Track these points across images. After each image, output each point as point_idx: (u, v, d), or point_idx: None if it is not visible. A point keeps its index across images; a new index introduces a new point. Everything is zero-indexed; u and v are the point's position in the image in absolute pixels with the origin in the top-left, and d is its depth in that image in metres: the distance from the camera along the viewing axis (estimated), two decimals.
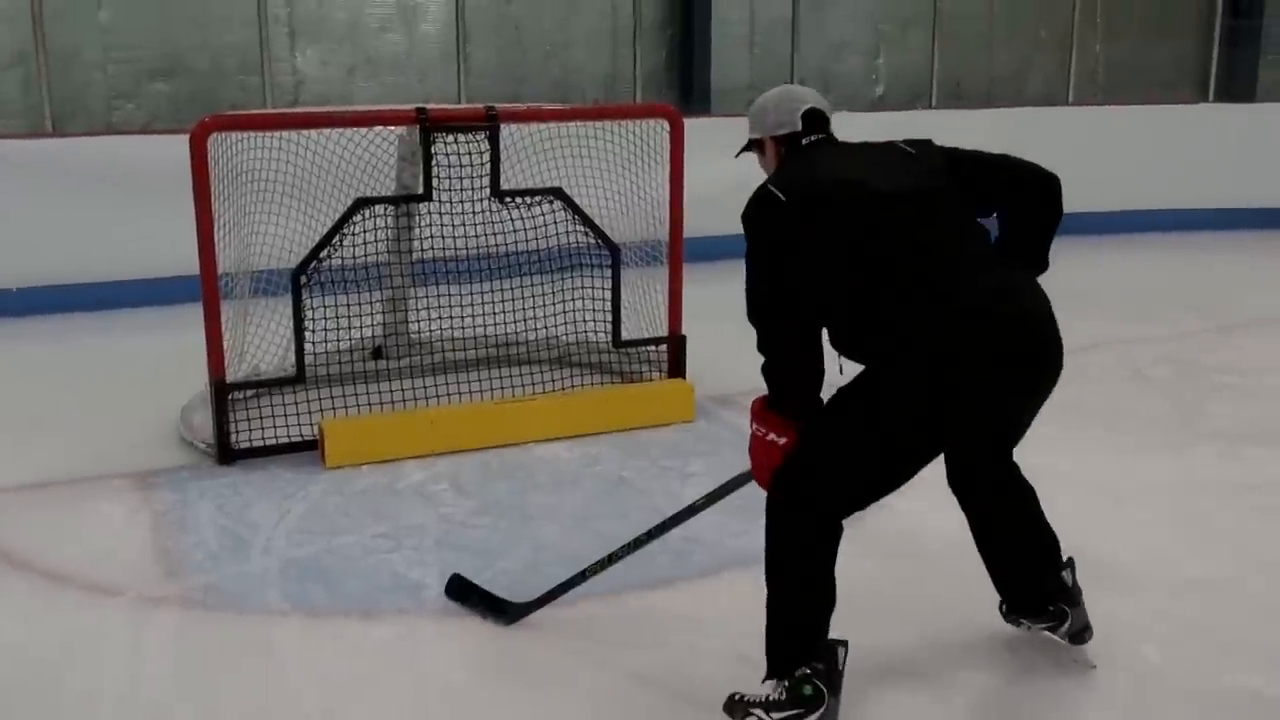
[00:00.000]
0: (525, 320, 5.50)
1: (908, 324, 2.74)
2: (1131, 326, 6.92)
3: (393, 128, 5.24)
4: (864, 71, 10.86)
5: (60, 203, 6.93)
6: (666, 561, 3.78)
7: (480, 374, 5.31)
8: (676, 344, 5.50)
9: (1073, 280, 8.19)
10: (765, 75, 10.16)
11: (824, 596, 2.85)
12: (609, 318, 5.46)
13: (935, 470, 3.00)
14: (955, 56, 10.68)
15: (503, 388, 5.24)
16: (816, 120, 3.09)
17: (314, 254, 4.87)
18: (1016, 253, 3.04)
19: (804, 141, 3.07)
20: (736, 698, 2.83)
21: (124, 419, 5.17)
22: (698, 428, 5.15)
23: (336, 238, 4.88)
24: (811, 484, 2.82)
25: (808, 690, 2.76)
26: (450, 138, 4.96)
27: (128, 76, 8.42)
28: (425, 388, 5.13)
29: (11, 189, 6.89)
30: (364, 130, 5.23)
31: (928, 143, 3.11)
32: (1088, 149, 9.37)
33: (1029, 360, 2.82)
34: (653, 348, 5.55)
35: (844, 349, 2.93)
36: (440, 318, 5.38)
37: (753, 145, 3.18)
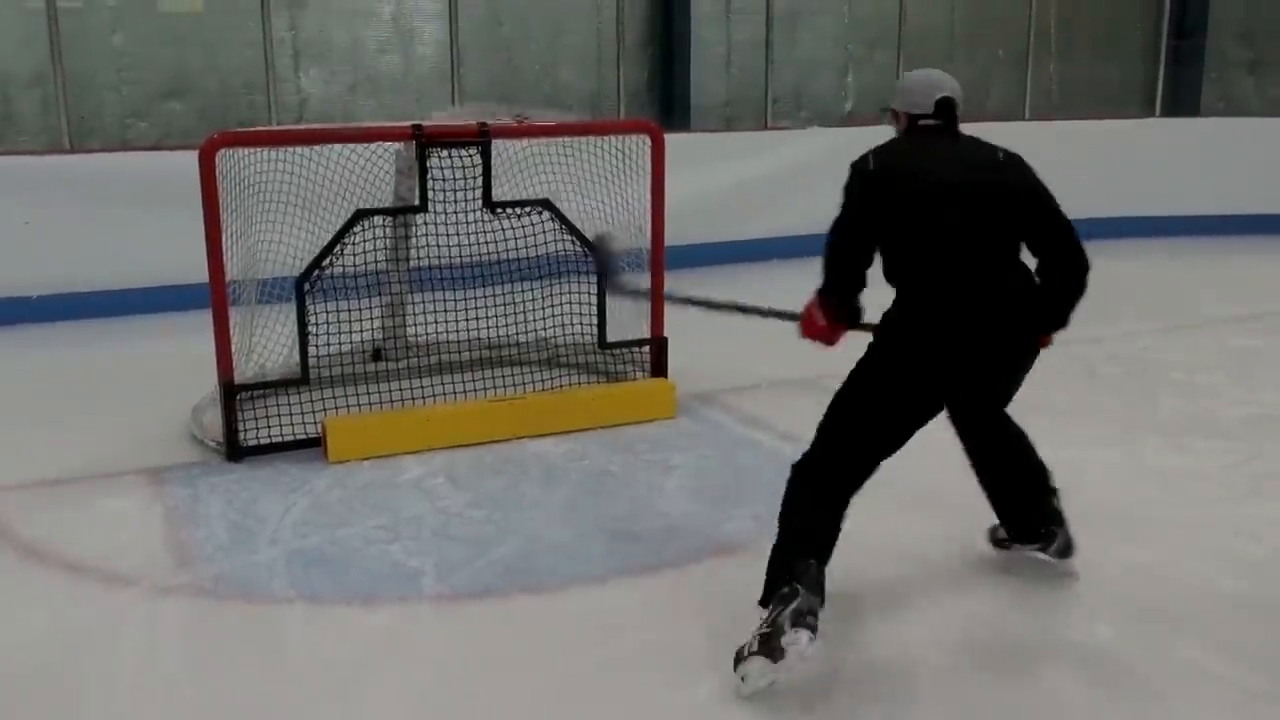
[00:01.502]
0: (516, 323, 5.49)
1: (910, 302, 3.14)
2: (1084, 327, 6.83)
3: (391, 143, 5.23)
4: (834, 89, 10.88)
5: (77, 215, 6.91)
6: (645, 550, 3.78)
7: (474, 374, 5.30)
8: (658, 345, 5.50)
9: None
10: (741, 93, 10.18)
11: (822, 547, 3.04)
12: (595, 321, 5.46)
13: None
14: None
15: (495, 387, 5.23)
16: (946, 109, 3.32)
17: (317, 262, 4.85)
18: (1043, 308, 3.31)
19: (920, 123, 3.32)
20: (740, 649, 2.92)
21: (138, 418, 5.15)
22: (679, 424, 5.15)
23: (338, 247, 4.86)
24: (832, 453, 3.14)
25: (784, 590, 2.92)
26: (445, 153, 4.95)
27: (140, 96, 8.39)
28: (422, 387, 5.12)
29: (32, 203, 6.86)
30: (363, 146, 5.22)
31: (1018, 160, 3.32)
32: (1043, 161, 9.39)
33: (976, 359, 3.18)
34: (636, 349, 5.55)
35: (887, 275, 3.24)
36: (436, 322, 5.36)
37: (888, 112, 3.46)
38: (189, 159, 4.60)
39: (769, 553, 3.07)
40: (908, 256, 3.17)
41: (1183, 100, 11.52)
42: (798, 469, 3.20)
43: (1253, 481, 4.47)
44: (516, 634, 3.31)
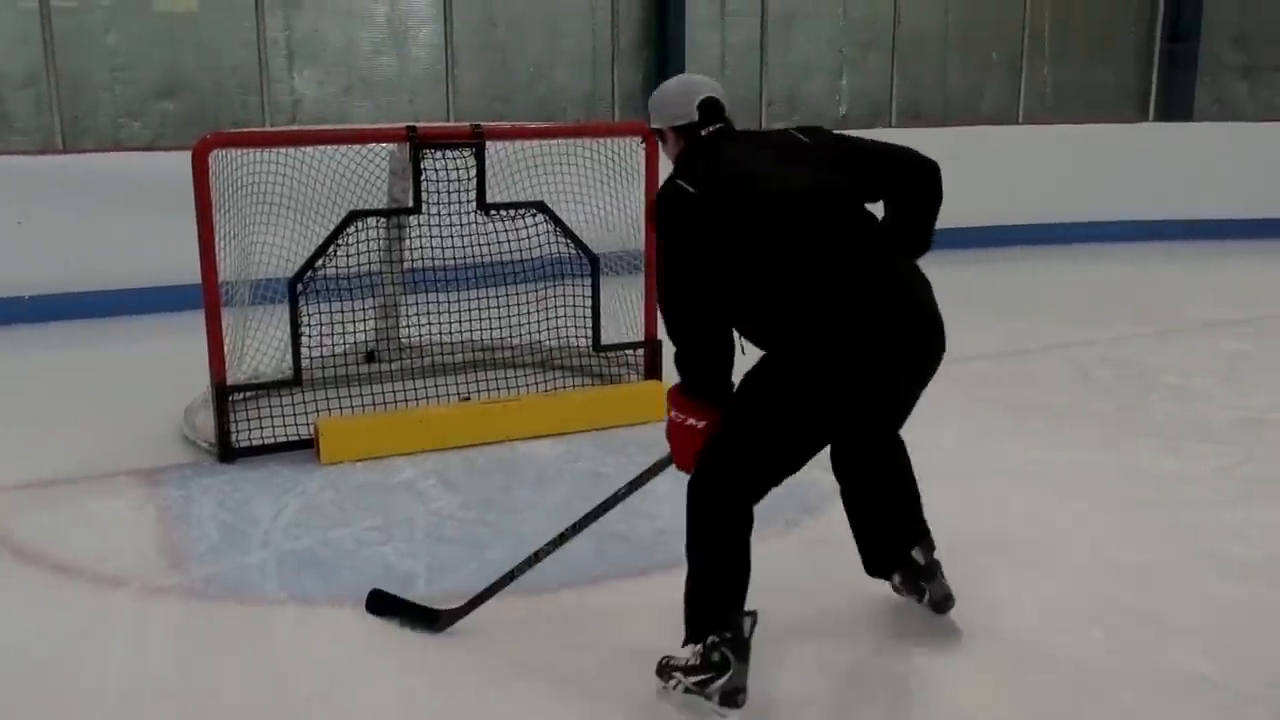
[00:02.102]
0: (510, 325, 5.49)
1: (803, 313, 2.73)
2: (1077, 330, 6.95)
3: (385, 145, 5.22)
4: (828, 92, 10.89)
5: (70, 215, 6.89)
6: (636, 552, 3.77)
7: (468, 376, 5.29)
8: (652, 347, 5.50)
9: (1022, 287, 8.28)
10: (736, 95, 10.09)
11: (737, 570, 2.88)
12: (589, 323, 5.45)
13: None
14: (913, 78, 10.72)
15: (489, 389, 5.23)
16: (713, 109, 3.04)
17: (310, 263, 4.85)
18: (900, 237, 3.03)
19: (703, 133, 3.01)
20: (664, 661, 2.92)
21: (130, 419, 5.14)
22: None
23: (331, 248, 4.86)
24: (727, 470, 2.85)
25: (715, 657, 2.80)
26: (439, 154, 4.95)
27: (134, 96, 8.38)
28: (416, 389, 5.12)
29: (24, 202, 6.85)
30: (357, 147, 5.22)
31: (819, 130, 3.07)
32: (1036, 164, 9.44)
33: (913, 345, 2.84)
34: (630, 351, 5.55)
35: (748, 335, 2.90)
36: (430, 323, 5.36)
37: (655, 134, 3.15)
38: (182, 159, 4.59)
39: (696, 568, 2.91)
40: (775, 277, 2.76)
41: (1176, 104, 11.55)
42: (700, 489, 2.90)
43: (1244, 485, 4.48)
44: (508, 637, 3.30)
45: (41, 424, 5.17)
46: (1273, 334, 7.01)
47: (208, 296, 4.62)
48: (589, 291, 5.42)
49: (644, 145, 5.41)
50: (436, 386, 5.14)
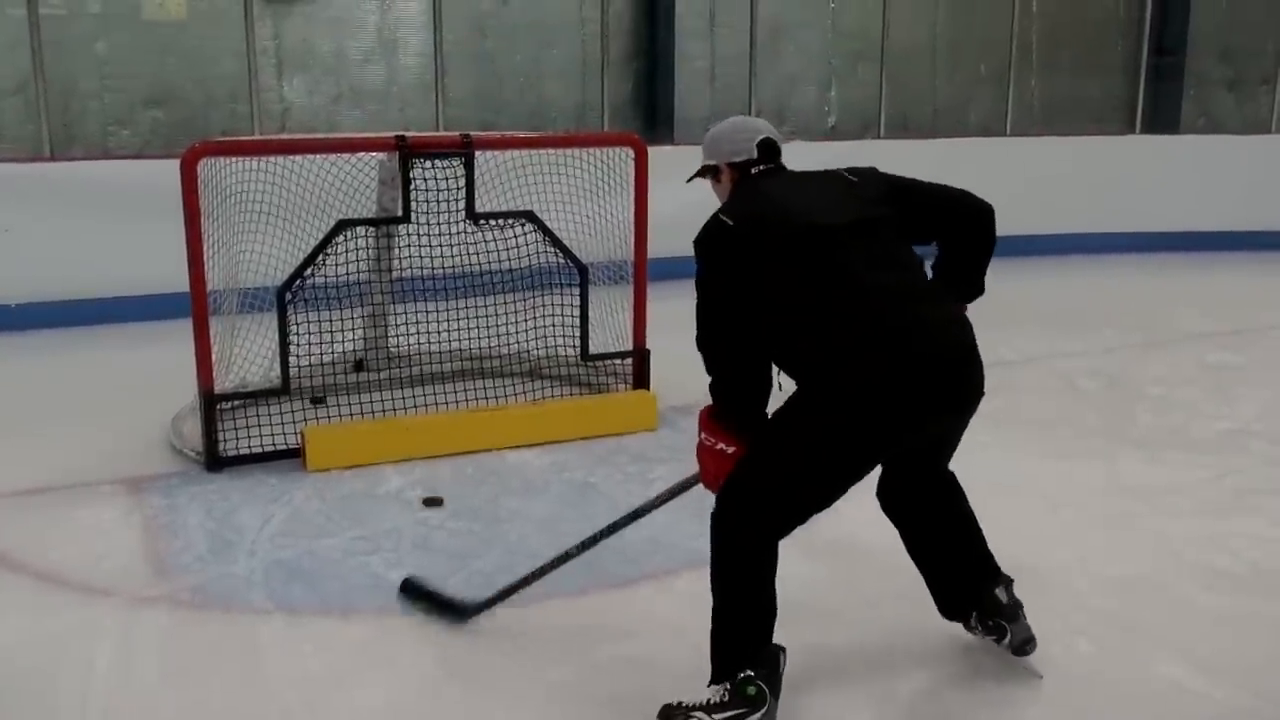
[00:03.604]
0: (499, 335, 5.49)
1: (844, 351, 2.72)
2: (1064, 342, 6.97)
3: (374, 154, 5.22)
4: (817, 104, 10.92)
5: (58, 223, 6.87)
6: (626, 562, 3.77)
7: (456, 385, 5.29)
8: (641, 357, 5.50)
9: (1009, 299, 8.26)
10: (725, 106, 10.19)
11: (767, 606, 2.83)
12: (578, 332, 5.46)
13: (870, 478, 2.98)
14: (902, 90, 10.75)
15: (477, 398, 5.22)
16: (769, 150, 3.07)
17: (298, 272, 4.84)
18: (952, 280, 3.06)
19: (753, 170, 3.04)
20: (675, 704, 2.81)
21: (117, 428, 5.12)
22: (661, 436, 5.15)
23: (320, 257, 4.85)
24: (756, 503, 2.80)
25: (751, 690, 2.74)
26: (428, 163, 4.95)
27: (123, 104, 8.36)
28: (404, 398, 5.11)
29: (12, 210, 6.83)
30: (347, 156, 5.22)
31: (871, 171, 3.07)
32: (1024, 177, 9.46)
33: (954, 388, 2.85)
34: (618, 361, 5.55)
35: (786, 368, 2.87)
36: (418, 332, 5.36)
37: (707, 171, 3.14)
38: (171, 167, 4.57)
39: (717, 618, 2.85)
40: (816, 314, 2.76)
41: (1163, 117, 11.61)
42: (725, 523, 2.84)
43: (1229, 496, 4.49)
44: (496, 646, 3.30)
45: (28, 432, 5.14)
46: (1258, 345, 7.04)
47: (196, 305, 4.61)
48: (577, 301, 5.42)
49: (633, 155, 5.41)
50: (424, 395, 5.14)
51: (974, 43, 11.33)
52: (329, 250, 4.87)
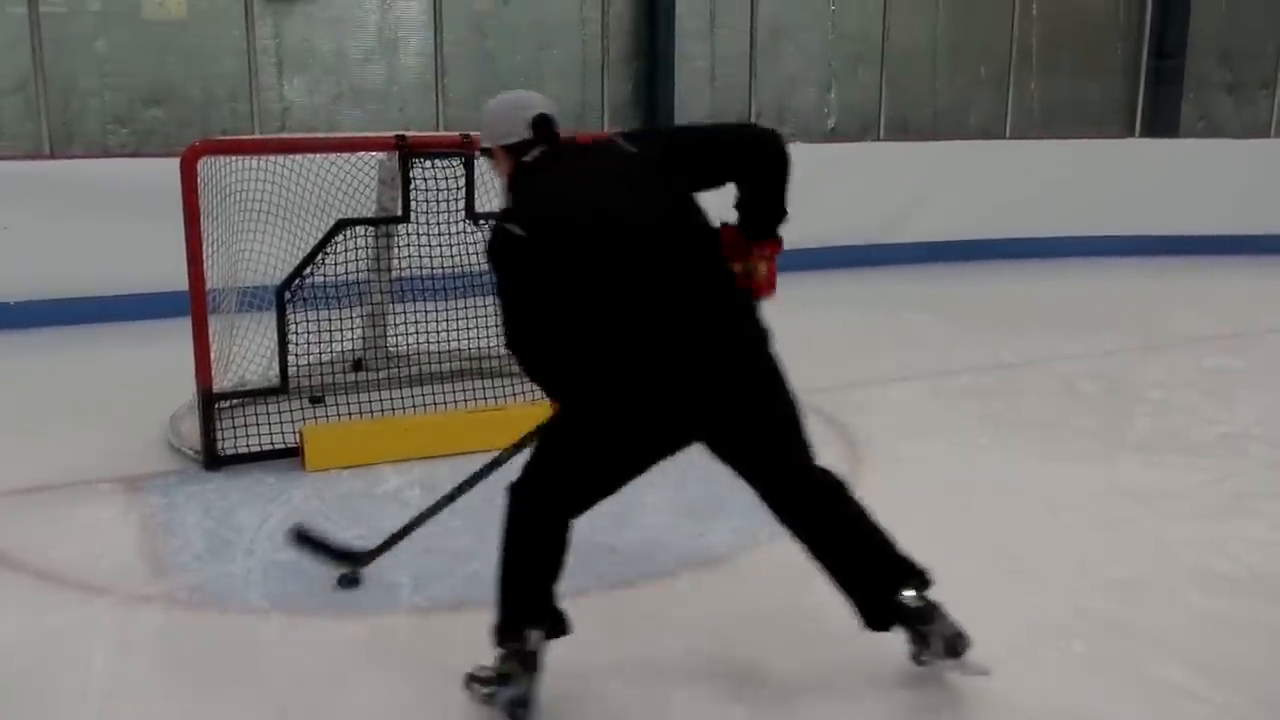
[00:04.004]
0: (498, 335, 5.47)
1: (592, 361, 2.76)
2: (1064, 344, 6.98)
3: (374, 153, 5.22)
4: (817, 105, 10.92)
5: (57, 221, 6.87)
6: (627, 562, 3.77)
7: (455, 385, 5.29)
8: None
9: (1009, 301, 8.30)
10: (725, 106, 10.21)
11: (541, 579, 2.94)
12: None
13: None
14: (902, 92, 10.76)
15: (476, 398, 5.22)
16: (544, 127, 2.94)
17: (298, 271, 4.83)
18: (755, 214, 2.97)
19: (527, 158, 2.92)
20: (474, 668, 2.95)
21: (115, 426, 5.11)
22: None
23: (319, 256, 4.85)
24: (543, 490, 2.92)
25: (505, 668, 2.87)
26: (428, 163, 4.95)
27: (123, 103, 8.36)
28: (403, 398, 5.11)
29: (11, 208, 6.83)
30: (347, 155, 5.21)
31: (649, 137, 3.00)
32: (1023, 179, 9.48)
33: (689, 403, 2.80)
34: None
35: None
36: (417, 332, 5.36)
37: (484, 153, 3.04)
38: (170, 166, 4.57)
39: (500, 575, 2.94)
40: (602, 316, 2.75)
41: (1163, 120, 11.62)
42: (518, 496, 2.95)
43: (1228, 500, 4.49)
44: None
45: (26, 430, 5.14)
46: (1257, 349, 7.04)
47: (195, 304, 4.60)
48: None
49: None
50: (423, 395, 5.13)
51: (974, 45, 11.34)
52: (328, 249, 4.86)
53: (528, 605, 2.93)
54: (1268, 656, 3.29)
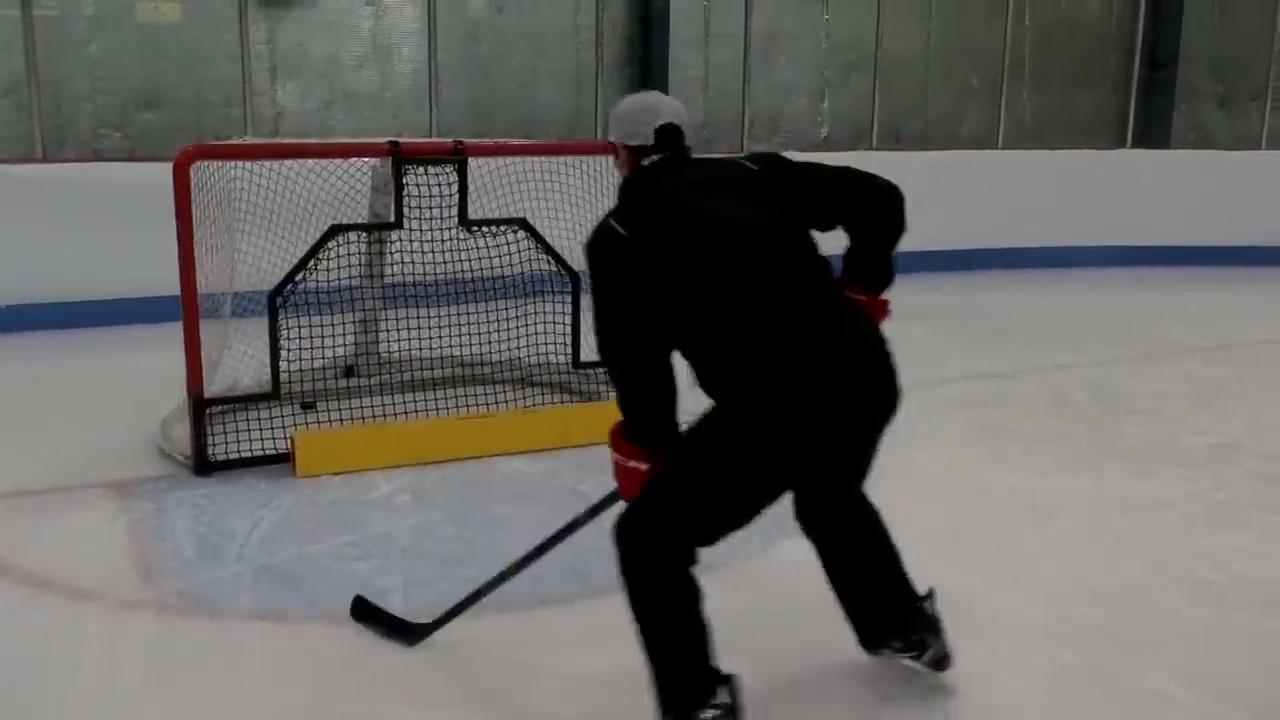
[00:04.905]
0: (490, 342, 5.48)
1: (746, 369, 2.54)
2: (1053, 354, 6.99)
3: (367, 159, 5.22)
4: (810, 113, 10.95)
5: (49, 225, 6.86)
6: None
7: (447, 391, 5.28)
8: None
9: (999, 311, 8.32)
10: (719, 115, 10.23)
11: (695, 625, 2.66)
12: (569, 340, 5.45)
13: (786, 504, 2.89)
14: (894, 101, 10.80)
15: (468, 404, 5.22)
16: (669, 136, 2.90)
17: (290, 277, 4.83)
18: (862, 268, 2.86)
19: (646, 162, 2.89)
20: None
21: (105, 431, 5.10)
22: None
23: (312, 262, 4.85)
24: (658, 522, 2.64)
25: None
26: (421, 169, 4.95)
27: (115, 107, 8.34)
28: (394, 404, 5.10)
29: (2, 211, 6.81)
30: (340, 161, 5.21)
31: (772, 160, 2.90)
32: (1014, 189, 9.51)
33: (861, 399, 2.62)
34: None
35: (698, 382, 2.70)
36: (410, 338, 5.35)
37: (612, 148, 3.01)
38: (163, 170, 4.57)
39: (645, 645, 2.68)
40: (715, 322, 2.59)
41: (1154, 132, 11.66)
42: (629, 542, 2.67)
43: (1217, 510, 4.51)
44: (484, 653, 3.29)
45: (14, 435, 5.13)
46: (1247, 360, 7.07)
47: (186, 308, 4.60)
48: (569, 308, 5.42)
49: None
50: (415, 401, 5.13)
51: (967, 55, 11.37)
52: (321, 255, 4.86)
53: (700, 655, 2.65)
54: (1257, 665, 3.30)
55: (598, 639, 3.32)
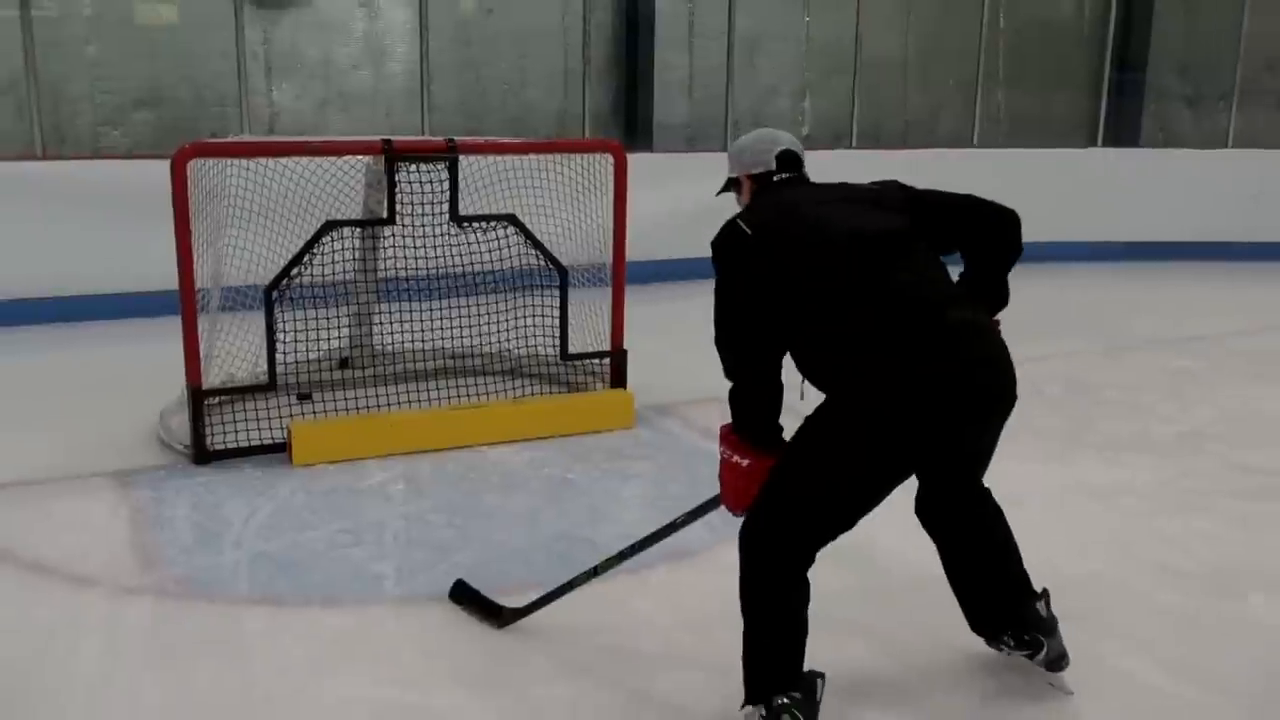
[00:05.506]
0: (480, 334, 5.48)
1: (869, 362, 2.59)
2: (1027, 347, 6.92)
3: (360, 157, 5.21)
4: (791, 114, 10.94)
5: (49, 222, 6.82)
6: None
7: (438, 382, 5.28)
8: (618, 357, 5.50)
9: None
10: (702, 115, 10.22)
11: (798, 627, 2.72)
12: (557, 332, 5.46)
13: (902, 493, 2.88)
14: (874, 102, 10.79)
15: (459, 395, 5.22)
16: (789, 161, 2.99)
17: (285, 272, 4.82)
18: (978, 289, 2.96)
19: (774, 179, 2.96)
20: None
21: (106, 422, 5.08)
22: (637, 434, 5.15)
23: (307, 257, 4.84)
24: (784, 520, 2.68)
25: (787, 718, 2.63)
26: (413, 167, 4.94)
27: (113, 106, 8.30)
28: (388, 395, 5.10)
29: (3, 209, 6.77)
30: (334, 159, 5.19)
31: (893, 183, 2.97)
32: (990, 187, 9.49)
33: (989, 396, 2.72)
34: (597, 360, 5.55)
35: (811, 378, 2.75)
36: (402, 331, 5.34)
37: (730, 184, 3.07)
38: (161, 168, 4.56)
39: (747, 638, 2.73)
40: (837, 323, 2.64)
41: (1124, 131, 11.69)
42: (752, 541, 2.72)
43: (1185, 497, 4.54)
44: (476, 638, 3.30)
45: (15, 426, 5.11)
46: (1214, 352, 7.10)
47: (184, 302, 4.58)
48: (557, 302, 5.42)
49: (612, 162, 5.42)
50: (408, 392, 5.13)
51: (944, 57, 11.38)
52: (316, 250, 4.85)
53: (795, 652, 2.70)
54: (1224, 648, 3.32)
55: (579, 623, 3.33)
